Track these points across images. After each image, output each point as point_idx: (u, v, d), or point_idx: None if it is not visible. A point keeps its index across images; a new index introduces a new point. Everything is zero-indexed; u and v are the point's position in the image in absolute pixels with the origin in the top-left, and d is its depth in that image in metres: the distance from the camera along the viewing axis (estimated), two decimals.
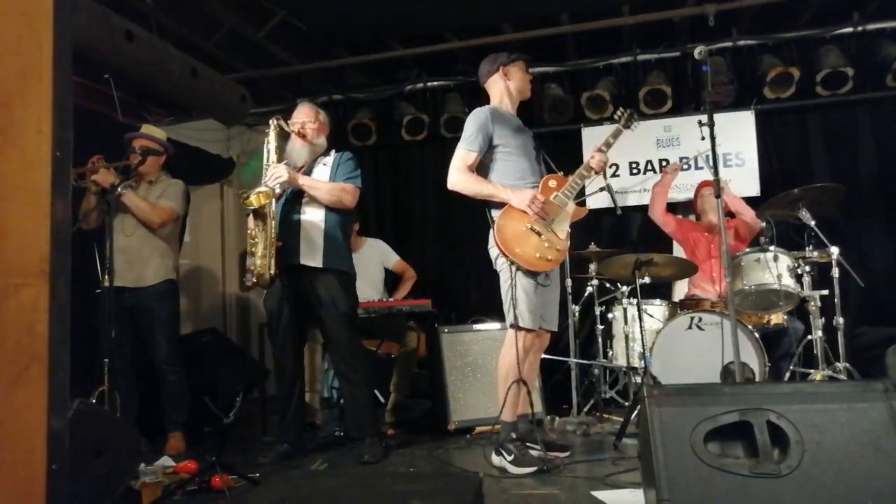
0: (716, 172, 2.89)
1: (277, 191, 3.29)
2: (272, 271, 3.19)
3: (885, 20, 4.78)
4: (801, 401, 2.03)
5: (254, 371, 4.59)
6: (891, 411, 1.98)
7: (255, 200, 3.19)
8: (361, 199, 3.57)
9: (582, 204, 3.42)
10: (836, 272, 3.68)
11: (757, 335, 3.82)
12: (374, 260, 4.84)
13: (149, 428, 3.59)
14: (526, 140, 3.23)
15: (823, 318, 3.72)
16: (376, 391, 4.56)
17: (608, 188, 4.25)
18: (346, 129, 5.59)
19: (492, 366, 4.04)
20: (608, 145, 3.25)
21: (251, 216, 3.26)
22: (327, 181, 3.41)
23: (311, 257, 3.32)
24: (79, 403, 2.27)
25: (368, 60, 5.27)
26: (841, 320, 3.63)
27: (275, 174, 3.27)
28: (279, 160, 3.40)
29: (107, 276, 3.22)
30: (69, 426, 1.08)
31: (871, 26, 4.82)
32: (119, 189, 3.51)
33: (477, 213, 5.64)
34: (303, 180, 3.36)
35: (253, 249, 3.22)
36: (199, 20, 4.47)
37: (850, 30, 4.86)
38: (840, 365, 3.60)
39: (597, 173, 3.22)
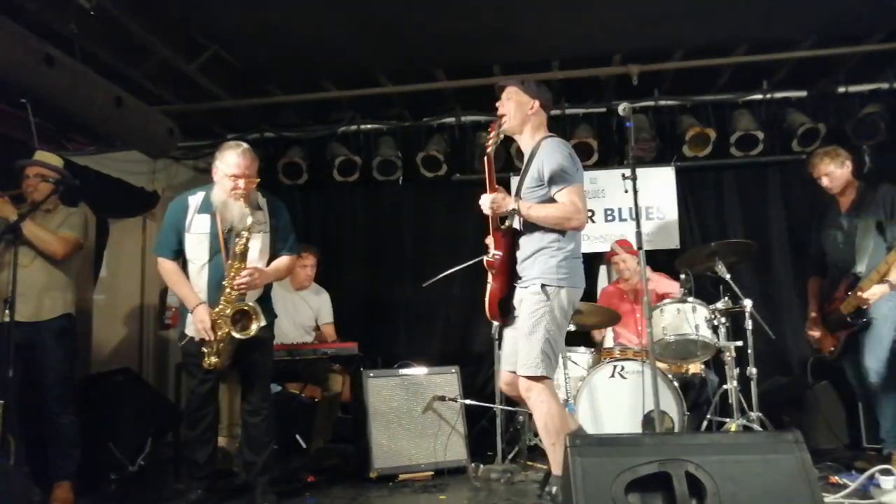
0: (638, 224, 2.99)
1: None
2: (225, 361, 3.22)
3: (790, 90, 5.17)
4: (717, 452, 2.09)
5: (166, 414, 4.35)
6: (800, 463, 2.06)
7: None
8: None
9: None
10: (749, 324, 3.83)
11: (676, 384, 3.92)
12: (312, 306, 4.75)
13: (39, 477, 3.32)
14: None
15: (738, 368, 3.86)
16: (297, 436, 4.41)
17: None
18: (276, 167, 5.51)
19: (417, 411, 3.99)
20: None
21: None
22: (259, 247, 3.27)
23: None
24: None
25: (302, 100, 5.25)
26: (754, 370, 3.77)
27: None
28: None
29: (7, 312, 3.00)
30: None
31: (778, 94, 5.19)
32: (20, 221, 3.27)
33: (406, 256, 5.70)
34: (252, 289, 3.21)
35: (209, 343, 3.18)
36: (128, 49, 4.32)
37: (759, 97, 5.21)
38: (753, 414, 3.73)
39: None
